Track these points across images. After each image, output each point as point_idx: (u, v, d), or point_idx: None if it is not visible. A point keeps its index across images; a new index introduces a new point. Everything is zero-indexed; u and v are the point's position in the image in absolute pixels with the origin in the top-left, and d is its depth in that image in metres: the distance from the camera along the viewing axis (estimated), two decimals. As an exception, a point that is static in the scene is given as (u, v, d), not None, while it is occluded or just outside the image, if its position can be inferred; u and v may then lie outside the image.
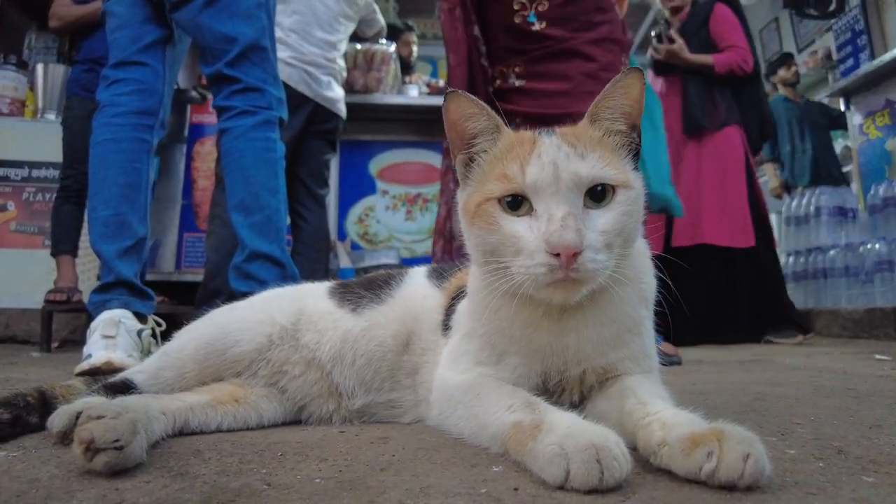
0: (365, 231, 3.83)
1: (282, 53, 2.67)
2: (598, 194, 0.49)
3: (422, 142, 3.88)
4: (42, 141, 3.77)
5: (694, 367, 1.55)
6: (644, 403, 0.46)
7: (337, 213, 3.80)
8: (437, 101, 3.88)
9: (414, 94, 3.90)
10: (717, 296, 2.87)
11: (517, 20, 1.88)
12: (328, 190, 2.98)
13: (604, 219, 0.48)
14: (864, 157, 4.24)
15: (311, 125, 2.66)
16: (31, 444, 0.51)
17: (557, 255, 0.45)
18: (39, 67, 3.94)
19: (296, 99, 2.54)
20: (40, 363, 1.90)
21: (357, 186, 3.85)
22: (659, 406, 0.46)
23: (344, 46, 2.90)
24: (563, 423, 0.41)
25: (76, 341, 3.33)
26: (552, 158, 0.48)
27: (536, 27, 1.87)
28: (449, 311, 0.57)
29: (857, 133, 4.06)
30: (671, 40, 3.06)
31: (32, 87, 3.98)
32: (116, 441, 0.42)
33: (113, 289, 1.40)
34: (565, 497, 0.36)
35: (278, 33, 2.68)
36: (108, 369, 1.25)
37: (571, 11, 1.84)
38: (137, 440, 0.43)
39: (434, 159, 3.88)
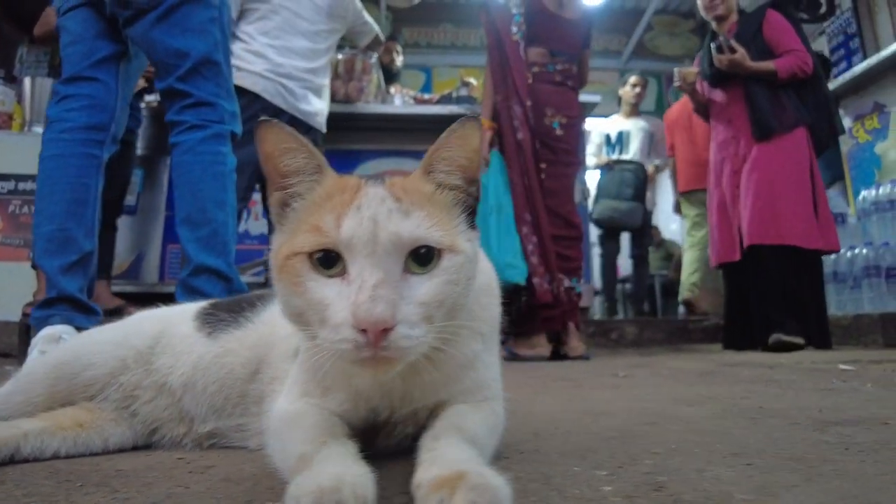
0: (349, 241, 3.83)
1: (258, 66, 2.68)
2: (421, 257, 0.44)
3: (406, 151, 3.88)
4: (28, 154, 3.75)
5: (646, 378, 1.53)
6: (436, 438, 0.44)
7: (320, 224, 3.81)
8: (420, 110, 3.89)
9: (398, 102, 3.91)
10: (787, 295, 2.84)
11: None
12: None
13: (425, 288, 0.44)
14: (853, 161, 4.21)
15: None
16: None
17: (365, 330, 0.40)
18: (27, 81, 3.98)
19: (270, 112, 2.54)
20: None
21: (341, 196, 3.85)
22: (447, 441, 0.42)
23: (325, 60, 2.87)
24: (326, 460, 0.39)
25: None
26: (373, 213, 0.44)
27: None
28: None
29: (846, 136, 4.03)
30: (732, 50, 3.03)
31: (20, 101, 4.02)
32: None
33: (55, 304, 1.40)
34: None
35: (255, 46, 2.69)
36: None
37: None
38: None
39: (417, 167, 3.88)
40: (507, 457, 0.53)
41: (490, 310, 0.53)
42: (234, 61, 2.27)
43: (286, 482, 0.40)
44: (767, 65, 3.03)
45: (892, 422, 0.69)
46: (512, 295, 2.63)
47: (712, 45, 3.13)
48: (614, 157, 4.85)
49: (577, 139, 3.00)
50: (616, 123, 4.98)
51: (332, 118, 3.70)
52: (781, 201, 2.91)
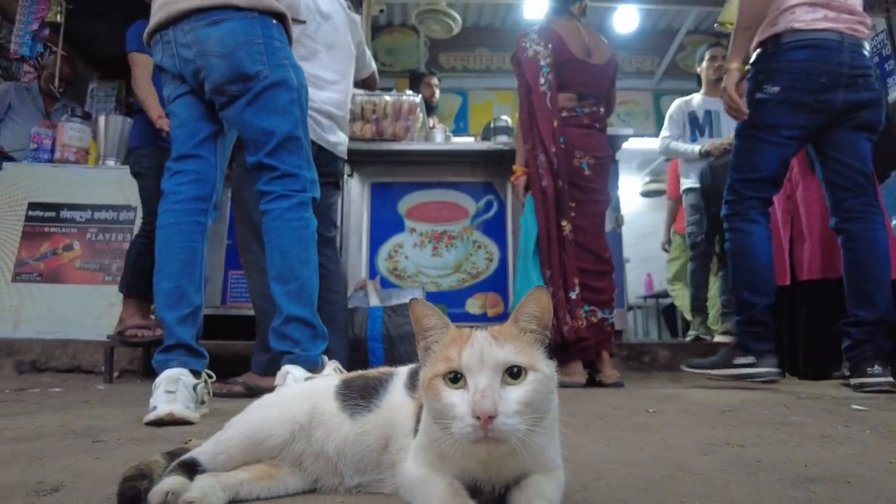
0: (394, 267, 4.10)
1: None
2: (514, 374, 0.66)
3: (446, 182, 4.13)
4: (103, 186, 4.18)
5: (674, 416, 1.73)
6: (529, 500, 0.67)
7: (368, 252, 4.09)
8: (459, 147, 4.15)
9: (439, 139, 4.17)
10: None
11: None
12: (337, 231, 3.13)
13: (517, 393, 0.66)
14: (885, 190, 4.25)
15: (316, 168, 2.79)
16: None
17: (479, 418, 0.63)
18: (101, 119, 4.35)
19: None
20: (108, 399, 2.20)
21: (387, 225, 4.12)
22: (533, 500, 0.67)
23: (348, 94, 2.95)
24: None
25: (133, 371, 3.69)
26: (480, 346, 0.67)
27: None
28: (418, 416, 0.80)
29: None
30: None
31: (95, 136, 4.39)
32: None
33: (174, 350, 1.69)
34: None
35: None
36: (169, 420, 1.53)
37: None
38: (214, 511, 0.69)
39: (456, 198, 4.13)
40: (566, 506, 0.76)
41: (554, 413, 0.76)
42: None
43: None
44: None
45: (853, 480, 0.90)
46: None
47: None
48: (705, 141, 4.21)
49: (606, 178, 3.17)
50: (700, 102, 4.42)
51: (380, 154, 4.00)
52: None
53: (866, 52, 2.38)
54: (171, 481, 0.77)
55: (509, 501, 0.70)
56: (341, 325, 2.69)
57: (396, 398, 0.84)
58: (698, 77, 4.57)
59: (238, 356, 3.48)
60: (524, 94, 3.11)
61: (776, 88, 2.38)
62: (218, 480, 0.77)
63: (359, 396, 0.86)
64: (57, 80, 4.65)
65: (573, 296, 2.83)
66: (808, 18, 2.34)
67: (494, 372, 0.66)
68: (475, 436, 0.64)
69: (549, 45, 3.05)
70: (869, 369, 2.27)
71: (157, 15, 1.88)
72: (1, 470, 0.99)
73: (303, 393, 0.92)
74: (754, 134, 2.45)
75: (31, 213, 4.11)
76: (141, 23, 2.98)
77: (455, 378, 0.68)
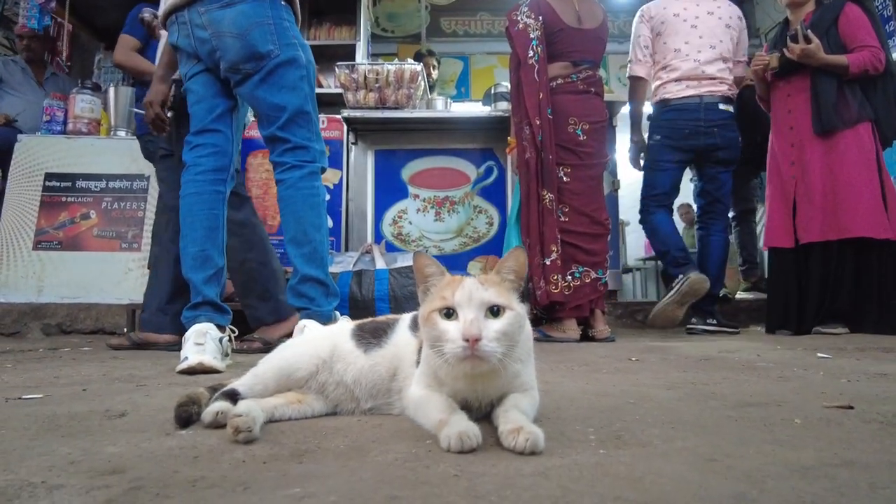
0: (399, 232, 4.26)
1: None
2: (494, 312, 0.84)
3: (447, 149, 4.26)
4: (115, 156, 4.32)
5: (652, 363, 1.91)
6: (506, 410, 0.83)
7: (373, 217, 4.25)
8: (459, 113, 4.26)
9: (440, 106, 4.29)
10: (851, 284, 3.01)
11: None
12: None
13: (496, 325, 0.82)
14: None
15: None
16: (195, 430, 0.95)
17: (467, 340, 0.80)
18: (111, 90, 4.47)
19: None
20: (137, 355, 2.41)
21: (391, 191, 4.27)
22: (511, 412, 0.81)
23: None
24: (455, 421, 0.78)
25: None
26: (469, 288, 0.83)
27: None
28: (419, 351, 0.97)
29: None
30: (808, 40, 3.04)
31: (105, 108, 4.50)
32: (249, 428, 0.84)
33: (201, 307, 1.87)
34: (448, 455, 0.76)
35: None
36: (200, 369, 1.72)
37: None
38: (256, 426, 0.85)
39: (458, 164, 4.27)
40: (540, 421, 0.93)
41: (527, 344, 0.93)
42: None
43: (429, 431, 0.83)
44: (840, 58, 3.03)
45: (783, 405, 1.08)
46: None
47: (788, 34, 3.16)
48: None
49: (602, 142, 3.27)
50: None
51: (385, 122, 4.12)
52: (843, 196, 2.99)
53: (722, 108, 3.35)
54: (219, 405, 0.95)
55: (493, 416, 0.88)
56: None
57: (402, 336, 1.01)
58: None
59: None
60: (514, 68, 3.21)
61: (658, 136, 3.49)
62: (258, 403, 0.95)
63: (371, 336, 1.03)
64: (65, 53, 4.73)
65: (548, 262, 2.99)
66: (674, 90, 3.41)
67: (480, 308, 0.84)
68: (463, 354, 0.81)
69: (540, 17, 3.12)
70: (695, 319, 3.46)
71: (171, -3, 2.00)
72: (71, 403, 1.18)
73: (324, 335, 1.10)
74: (651, 166, 3.53)
75: (48, 183, 4.27)
76: (140, 6, 3.10)
77: (448, 313, 0.85)
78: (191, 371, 1.71)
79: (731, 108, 3.43)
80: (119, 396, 1.27)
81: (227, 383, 1.06)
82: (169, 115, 2.29)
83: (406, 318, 1.07)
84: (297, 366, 1.02)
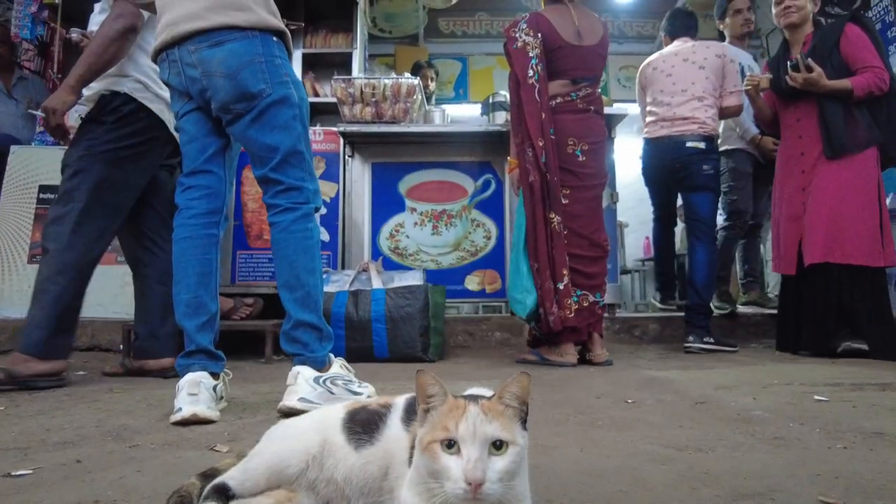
0: (396, 245, 4.25)
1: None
2: (497, 446, 0.81)
3: (445, 162, 4.24)
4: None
5: (651, 408, 1.91)
6: None
7: (370, 230, 4.23)
8: (457, 128, 4.22)
9: (438, 120, 4.25)
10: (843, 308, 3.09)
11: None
12: None
13: (500, 463, 0.80)
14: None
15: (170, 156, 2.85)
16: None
17: (469, 483, 0.77)
18: (106, 101, 4.41)
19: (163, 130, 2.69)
20: (131, 389, 2.40)
21: (388, 205, 4.25)
22: None
23: None
24: None
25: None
26: (473, 421, 0.80)
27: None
28: (411, 448, 0.95)
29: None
30: (809, 69, 3.05)
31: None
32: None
33: (194, 355, 1.85)
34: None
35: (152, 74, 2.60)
36: (194, 420, 1.71)
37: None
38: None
39: (455, 178, 4.24)
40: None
41: (524, 466, 0.91)
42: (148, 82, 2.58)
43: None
44: (844, 83, 3.04)
45: (777, 497, 1.07)
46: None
47: (789, 63, 3.16)
48: None
49: (601, 161, 3.26)
50: (735, 53, 3.98)
51: (382, 136, 4.09)
52: (849, 221, 3.03)
53: (689, 145, 3.60)
54: (208, 510, 0.94)
55: None
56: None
57: (394, 431, 1.00)
58: (720, 32, 4.42)
59: (246, 334, 3.67)
60: (514, 87, 3.16)
61: (641, 168, 4.03)
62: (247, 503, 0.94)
63: (362, 430, 1.02)
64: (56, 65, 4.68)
65: (561, 286, 2.97)
66: (651, 130, 3.84)
67: (483, 445, 0.81)
68: (464, 496, 0.79)
69: (539, 35, 3.08)
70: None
71: (161, 35, 1.97)
72: (62, 488, 1.17)
73: (314, 426, 1.08)
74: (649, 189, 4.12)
75: (42, 195, 4.24)
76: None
77: (450, 444, 0.83)
78: (185, 422, 1.70)
79: (700, 145, 3.58)
80: (111, 472, 1.26)
81: (219, 469, 1.05)
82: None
83: (399, 406, 1.05)
84: (287, 462, 1.00)
